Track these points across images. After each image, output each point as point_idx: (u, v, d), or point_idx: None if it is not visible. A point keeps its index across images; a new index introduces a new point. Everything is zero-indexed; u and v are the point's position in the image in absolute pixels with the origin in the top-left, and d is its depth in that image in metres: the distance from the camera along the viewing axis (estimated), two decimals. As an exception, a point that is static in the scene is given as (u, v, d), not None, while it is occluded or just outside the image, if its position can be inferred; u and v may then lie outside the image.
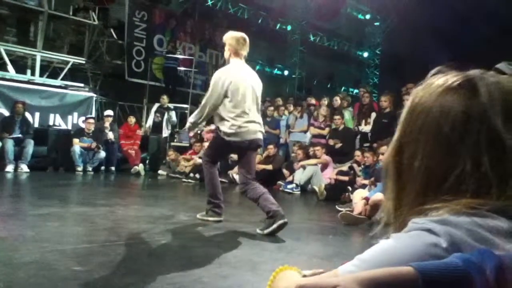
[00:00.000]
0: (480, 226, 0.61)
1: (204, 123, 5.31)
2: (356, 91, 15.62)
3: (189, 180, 8.25)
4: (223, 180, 8.49)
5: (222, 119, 3.95)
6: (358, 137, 8.15)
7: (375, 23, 18.51)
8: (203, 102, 4.08)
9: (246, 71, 4.05)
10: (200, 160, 8.50)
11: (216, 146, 4.18)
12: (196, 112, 4.17)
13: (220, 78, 3.92)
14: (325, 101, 9.16)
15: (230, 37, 4.04)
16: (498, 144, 0.64)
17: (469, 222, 0.61)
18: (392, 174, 0.75)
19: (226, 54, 4.11)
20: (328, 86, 18.05)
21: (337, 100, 8.81)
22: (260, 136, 4.03)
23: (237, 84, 3.88)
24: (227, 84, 3.87)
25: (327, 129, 8.45)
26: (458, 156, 0.66)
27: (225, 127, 3.91)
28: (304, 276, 0.83)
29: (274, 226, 3.63)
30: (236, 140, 3.90)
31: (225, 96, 3.89)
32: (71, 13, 10.37)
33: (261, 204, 3.79)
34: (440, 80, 0.72)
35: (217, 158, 4.34)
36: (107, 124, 9.16)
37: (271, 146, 8.53)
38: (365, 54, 18.98)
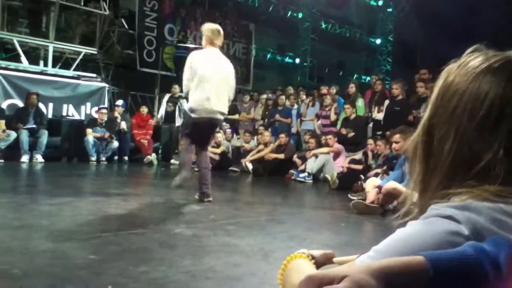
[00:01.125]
0: (505, 213, 0.59)
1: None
2: (368, 78, 15.48)
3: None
4: (235, 169, 8.53)
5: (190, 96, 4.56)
6: (371, 125, 8.08)
7: (388, 9, 18.25)
8: None
9: (216, 57, 4.59)
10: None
11: (185, 123, 4.83)
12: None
13: (189, 58, 4.58)
14: (333, 90, 9.07)
15: (206, 28, 4.67)
16: None
17: (493, 208, 0.59)
18: (420, 156, 0.71)
19: (203, 43, 4.70)
20: (340, 74, 17.91)
21: (353, 88, 8.69)
22: (217, 116, 4.56)
23: (201, 66, 4.44)
24: (194, 64, 4.47)
25: (334, 117, 8.39)
26: (491, 142, 0.63)
27: (189, 104, 4.56)
28: (312, 258, 0.82)
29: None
30: (195, 116, 4.47)
31: (192, 74, 4.47)
32: (82, 3, 10.40)
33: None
34: (476, 60, 0.68)
35: (190, 136, 4.71)
36: (118, 114, 9.21)
37: (282, 135, 8.51)
38: (378, 41, 18.76)
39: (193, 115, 4.50)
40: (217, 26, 4.70)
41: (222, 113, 4.65)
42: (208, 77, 4.45)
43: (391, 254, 0.61)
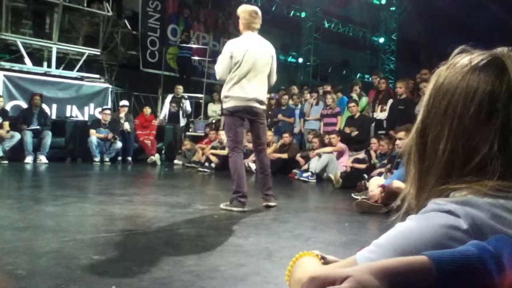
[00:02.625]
0: (505, 208, 0.59)
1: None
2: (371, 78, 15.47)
3: (205, 170, 8.29)
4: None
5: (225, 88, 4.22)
6: (373, 124, 8.06)
7: (391, 8, 18.20)
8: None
9: (257, 42, 4.22)
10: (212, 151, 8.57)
11: (227, 123, 4.38)
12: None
13: (228, 47, 4.20)
14: (338, 89, 9.08)
15: (242, 10, 4.25)
16: None
17: (493, 204, 0.59)
18: (415, 156, 0.73)
19: (240, 27, 4.30)
20: (344, 73, 17.89)
21: (357, 90, 8.71)
22: (255, 104, 4.21)
23: (242, 54, 4.08)
24: (235, 54, 4.10)
25: (339, 117, 8.40)
26: (484, 137, 0.63)
27: (228, 103, 4.20)
28: (322, 258, 0.82)
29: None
30: (231, 105, 4.17)
31: (230, 64, 4.13)
32: (85, 4, 10.43)
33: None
34: (464, 59, 0.70)
35: (236, 137, 4.33)
36: (122, 115, 9.23)
37: (286, 135, 8.50)
38: (381, 40, 18.71)
39: (233, 109, 4.18)
40: (254, 7, 4.29)
41: (263, 102, 4.35)
42: (252, 69, 4.12)
43: (392, 248, 0.62)
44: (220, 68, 4.19)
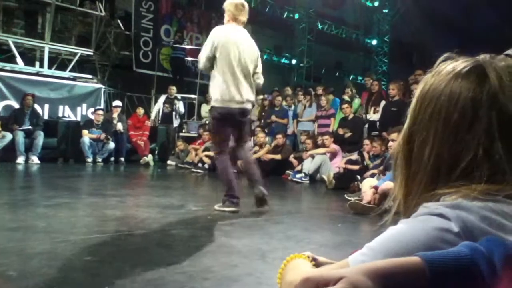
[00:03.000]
0: (494, 211, 0.60)
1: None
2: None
3: (198, 170, 8.28)
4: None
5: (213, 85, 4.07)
6: (366, 125, 8.10)
7: (384, 10, 18.30)
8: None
9: (242, 36, 4.06)
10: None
11: (214, 123, 4.20)
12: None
13: (212, 34, 4.04)
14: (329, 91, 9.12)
15: (229, 3, 4.11)
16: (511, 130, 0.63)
17: (483, 207, 0.60)
18: (402, 162, 0.74)
19: (225, 20, 4.16)
20: (337, 74, 17.95)
21: (349, 93, 8.74)
22: (247, 106, 4.08)
23: (226, 46, 3.94)
24: (217, 42, 3.95)
25: (332, 119, 8.43)
26: (469, 143, 0.65)
27: (212, 94, 4.06)
28: (313, 260, 0.82)
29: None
30: (219, 107, 4.00)
31: (215, 55, 3.96)
32: (78, 4, 10.38)
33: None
34: (449, 66, 0.71)
35: (223, 139, 4.18)
36: (115, 115, 9.20)
37: (279, 136, 8.51)
38: (374, 42, 18.82)
39: (218, 107, 4.01)
40: (241, 0, 4.12)
41: (251, 102, 4.17)
42: (235, 60, 3.96)
43: (384, 251, 0.62)
44: (203, 55, 4.05)
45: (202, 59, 4.07)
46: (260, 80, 4.29)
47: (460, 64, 0.70)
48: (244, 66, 4.02)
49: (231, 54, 3.95)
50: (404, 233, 0.62)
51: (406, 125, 0.74)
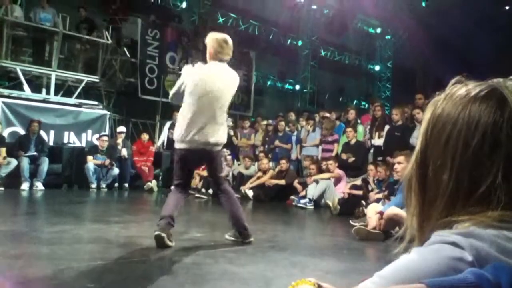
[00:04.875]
0: (509, 239, 0.59)
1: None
2: (367, 105, 15.58)
3: (202, 196, 8.25)
4: (236, 195, 8.47)
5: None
6: (372, 150, 8.08)
7: (386, 37, 18.53)
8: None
9: (219, 73, 3.80)
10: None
11: (176, 161, 3.92)
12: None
13: (189, 71, 3.84)
14: (333, 116, 9.15)
15: (211, 38, 3.85)
16: None
17: (496, 235, 0.59)
18: (416, 188, 0.72)
19: (207, 56, 3.92)
20: (340, 99, 18.05)
21: (352, 114, 8.73)
22: (213, 148, 3.77)
23: (201, 87, 3.71)
24: (193, 81, 3.74)
25: (335, 145, 8.43)
26: (489, 168, 0.63)
27: (176, 131, 3.82)
28: (319, 287, 0.81)
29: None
30: (184, 147, 3.74)
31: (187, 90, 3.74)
32: (85, 32, 10.56)
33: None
34: (461, 90, 0.70)
35: (183, 178, 3.90)
36: (119, 141, 9.24)
37: (283, 161, 8.51)
38: (377, 68, 18.98)
39: (181, 146, 3.75)
40: (224, 36, 3.84)
41: (219, 144, 3.83)
42: (207, 103, 3.70)
43: (395, 280, 0.61)
44: (173, 89, 3.89)
45: (174, 94, 3.89)
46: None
47: (475, 88, 0.69)
48: (218, 107, 3.76)
49: (206, 97, 3.71)
50: (415, 262, 0.61)
51: (417, 149, 0.73)
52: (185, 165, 3.88)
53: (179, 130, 3.77)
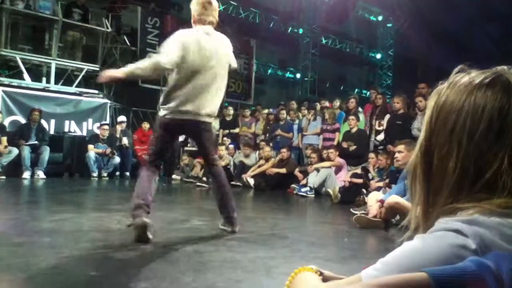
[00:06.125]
0: None
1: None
2: (368, 93, 15.53)
3: (203, 184, 8.27)
4: (237, 183, 8.51)
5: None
6: (373, 139, 8.06)
7: (388, 25, 18.40)
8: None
9: (207, 39, 3.51)
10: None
11: (156, 134, 3.66)
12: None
13: (178, 36, 3.46)
14: (337, 103, 9.10)
15: (193, 2, 3.56)
16: None
17: (501, 223, 0.59)
18: (421, 176, 0.72)
19: (192, 21, 3.62)
20: (341, 88, 17.99)
21: (353, 102, 8.69)
22: (205, 119, 3.53)
23: (189, 53, 3.41)
24: (185, 46, 3.39)
25: (337, 133, 8.41)
26: (495, 154, 0.63)
27: (165, 100, 3.53)
28: (321, 274, 0.81)
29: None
30: (166, 117, 3.49)
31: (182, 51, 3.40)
32: (84, 20, 10.50)
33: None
34: (464, 78, 0.70)
35: (159, 152, 3.69)
36: (120, 130, 9.24)
37: (284, 150, 8.52)
38: (378, 56, 18.88)
39: (170, 116, 3.47)
40: None
41: (211, 115, 3.59)
42: (197, 70, 3.44)
43: (398, 266, 0.61)
44: (169, 51, 3.39)
45: (169, 57, 3.38)
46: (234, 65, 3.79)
47: (479, 75, 0.69)
48: (211, 73, 3.51)
49: (195, 63, 3.44)
50: (418, 249, 0.61)
51: (422, 137, 0.72)
52: (169, 137, 3.62)
53: (168, 99, 3.49)
